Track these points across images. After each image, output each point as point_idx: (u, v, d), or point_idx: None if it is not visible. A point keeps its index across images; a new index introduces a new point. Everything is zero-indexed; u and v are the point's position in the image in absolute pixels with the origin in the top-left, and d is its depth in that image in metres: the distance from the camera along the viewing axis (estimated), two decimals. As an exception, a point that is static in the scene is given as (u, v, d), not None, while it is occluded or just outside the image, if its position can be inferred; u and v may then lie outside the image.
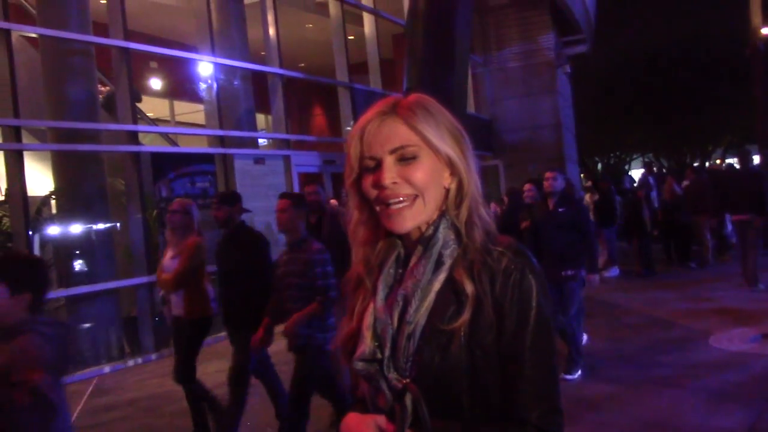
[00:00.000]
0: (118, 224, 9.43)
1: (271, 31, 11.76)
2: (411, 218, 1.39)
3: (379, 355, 1.40)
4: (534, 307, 1.35)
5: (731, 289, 10.08)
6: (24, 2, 10.15)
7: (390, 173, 1.37)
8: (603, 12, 21.77)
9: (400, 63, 15.10)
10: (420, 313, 1.37)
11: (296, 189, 11.35)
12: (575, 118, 20.37)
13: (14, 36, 8.28)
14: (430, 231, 1.42)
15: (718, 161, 32.18)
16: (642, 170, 32.40)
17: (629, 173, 28.85)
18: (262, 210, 10.66)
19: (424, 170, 1.38)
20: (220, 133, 10.50)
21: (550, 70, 17.74)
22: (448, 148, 1.40)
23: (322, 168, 12.69)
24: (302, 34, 16.42)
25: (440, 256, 1.40)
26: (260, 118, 15.43)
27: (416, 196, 1.38)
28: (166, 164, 9.44)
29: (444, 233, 1.41)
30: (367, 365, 1.41)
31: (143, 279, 9.04)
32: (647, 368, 6.56)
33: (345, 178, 1.46)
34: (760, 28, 17.19)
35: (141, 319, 9.23)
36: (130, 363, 8.74)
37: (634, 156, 36.77)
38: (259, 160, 10.85)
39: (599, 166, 34.82)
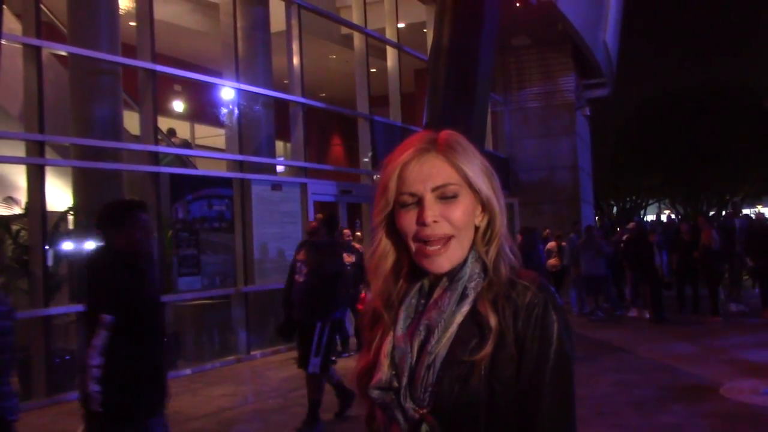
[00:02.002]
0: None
1: (296, 60, 11.91)
2: (449, 260, 1.39)
3: (395, 384, 1.39)
4: (555, 343, 1.35)
5: (744, 339, 10.00)
6: (55, 20, 10.35)
7: (432, 211, 1.36)
8: (624, 57, 21.90)
9: (420, 98, 15.24)
10: (441, 344, 1.36)
11: (311, 217, 11.42)
12: (593, 160, 20.40)
13: (44, 53, 8.45)
14: (458, 266, 1.42)
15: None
16: (655, 216, 32.21)
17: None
18: (275, 236, 10.73)
19: (463, 209, 1.39)
20: (240, 158, 10.60)
21: (569, 112, 17.83)
22: (484, 186, 1.41)
23: (338, 197, 12.76)
24: (325, 64, 16.63)
25: (465, 289, 1.40)
26: (279, 145, 15.56)
27: (451, 237, 1.38)
28: (184, 186, 9.53)
29: (471, 268, 1.41)
30: (382, 393, 1.40)
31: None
32: (654, 416, 6.51)
33: (376, 210, 1.46)
34: (782, 80, 17.23)
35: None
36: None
37: (650, 201, 36.71)
38: (276, 186, 10.93)
39: (614, 209, 34.76)
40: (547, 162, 17.60)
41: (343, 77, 15.51)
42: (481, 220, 1.43)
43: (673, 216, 31.55)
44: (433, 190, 1.38)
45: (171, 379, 8.53)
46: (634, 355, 9.18)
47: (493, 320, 1.35)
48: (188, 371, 9.24)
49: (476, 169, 1.41)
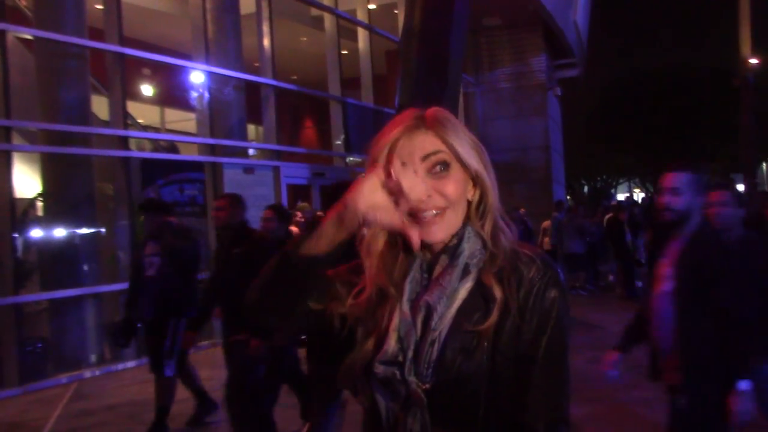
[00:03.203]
0: (104, 229, 9.40)
1: (266, 42, 11.81)
2: (444, 229, 1.41)
3: (400, 358, 1.40)
4: (554, 318, 1.37)
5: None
6: (20, 4, 10.15)
7: (422, 186, 1.38)
8: (595, 38, 22.01)
9: (392, 79, 15.20)
10: (445, 321, 1.38)
11: (284, 200, 11.36)
12: (564, 140, 20.52)
13: (9, 37, 8.28)
14: (455, 241, 1.43)
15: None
16: (626, 194, 32.54)
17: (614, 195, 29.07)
18: (250, 220, 10.66)
19: (455, 183, 1.41)
20: (211, 141, 10.51)
21: (541, 93, 17.88)
22: (474, 161, 1.43)
23: (311, 180, 12.72)
24: (297, 46, 16.50)
25: (467, 266, 1.42)
26: (251, 129, 15.44)
27: (447, 208, 1.41)
28: (155, 171, 9.44)
29: (470, 244, 1.43)
30: (387, 368, 1.40)
31: (128, 284, 9.02)
32: (631, 389, 6.60)
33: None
34: (749, 59, 17.43)
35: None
36: (112, 368, 8.69)
37: (621, 180, 37.07)
38: (248, 169, 10.86)
39: (585, 189, 35.05)
40: (519, 142, 17.67)
41: (314, 59, 15.40)
42: (473, 195, 1.45)
43: (643, 194, 31.90)
44: (423, 159, 1.39)
45: (141, 366, 8.51)
46: (609, 331, 9.27)
47: (498, 292, 1.37)
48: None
49: (465, 144, 1.42)
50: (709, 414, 3.15)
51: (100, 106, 9.94)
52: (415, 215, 1.40)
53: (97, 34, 9.49)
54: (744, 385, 3.04)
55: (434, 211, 1.39)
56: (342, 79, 13.34)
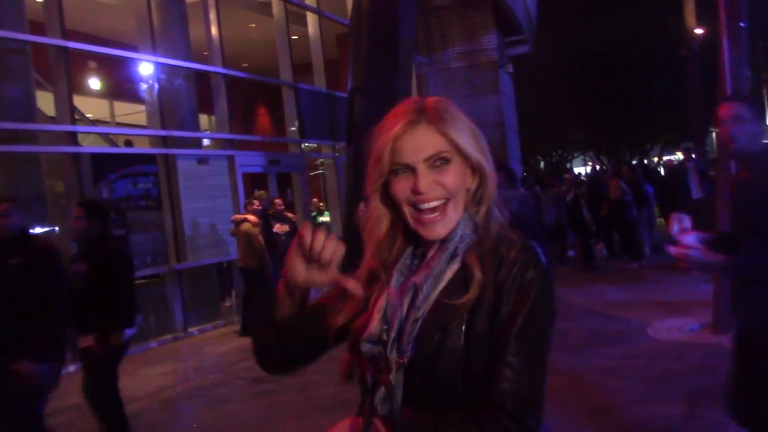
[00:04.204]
0: (57, 227, 9.22)
1: (214, 30, 11.65)
2: (444, 226, 1.45)
3: (385, 338, 1.44)
4: (531, 299, 1.38)
5: (670, 282, 10.40)
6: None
7: (426, 180, 1.42)
8: (544, 14, 22.13)
9: (344, 63, 15.11)
10: (429, 300, 1.42)
11: (240, 189, 11.28)
12: (518, 117, 20.66)
13: (-54, 34, 8.04)
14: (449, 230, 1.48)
15: (655, 159, 33.05)
16: (583, 168, 32.96)
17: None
18: (205, 211, 10.57)
19: (455, 174, 1.44)
20: (162, 133, 10.36)
21: (493, 70, 17.95)
22: (474, 151, 1.46)
23: (267, 168, 12.63)
24: (245, 33, 16.30)
25: (456, 248, 1.45)
26: (204, 119, 15.26)
27: (448, 200, 1.44)
28: (106, 165, 9.27)
29: (462, 228, 1.47)
30: (372, 347, 1.45)
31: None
32: (588, 359, 6.73)
33: (370, 180, 1.50)
34: (694, 29, 17.70)
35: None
36: (72, 368, 8.56)
37: (576, 154, 37.51)
38: (202, 160, 10.74)
39: (542, 164, 35.41)
40: (473, 121, 17.67)
41: (264, 46, 15.24)
42: (472, 183, 1.49)
43: (597, 167, 32.33)
44: (426, 160, 1.43)
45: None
46: (567, 303, 9.42)
47: (477, 273, 1.39)
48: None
49: (465, 134, 1.46)
50: None
51: (46, 101, 9.72)
52: (417, 209, 1.44)
53: (38, 28, 9.26)
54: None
55: (435, 203, 1.43)
56: (293, 65, 13.24)
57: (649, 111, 28.22)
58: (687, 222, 3.13)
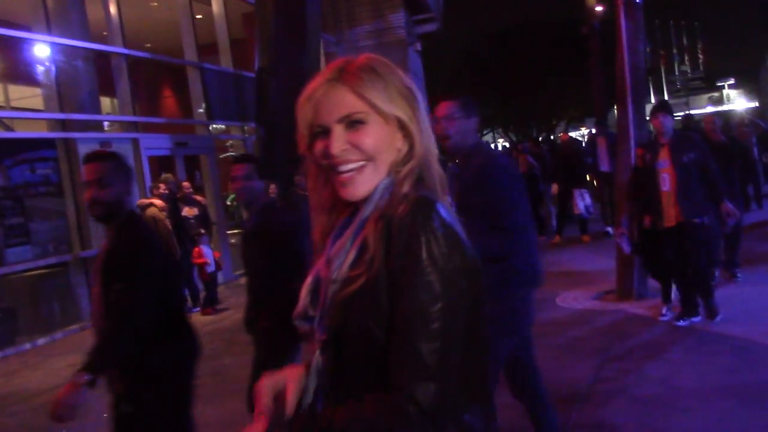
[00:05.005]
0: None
1: (113, 9, 11.25)
2: (362, 184, 1.38)
3: (311, 313, 1.41)
4: (421, 264, 1.26)
5: (575, 254, 10.74)
6: None
7: (339, 141, 1.36)
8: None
9: (251, 42, 14.84)
10: (341, 273, 1.35)
11: (147, 173, 10.97)
12: (428, 95, 20.84)
13: None
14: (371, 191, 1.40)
15: (561, 134, 34.00)
16: (492, 145, 33.58)
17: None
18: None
19: (372, 135, 1.37)
20: (61, 116, 9.94)
21: (401, 49, 18.00)
22: (398, 110, 1.38)
23: (174, 150, 12.32)
24: (147, 13, 15.77)
25: (369, 214, 1.38)
26: (105, 101, 14.73)
27: (367, 162, 1.37)
28: (2, 151, 8.84)
29: (380, 192, 1.38)
30: (302, 323, 1.44)
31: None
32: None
33: (299, 140, 1.45)
34: (595, 8, 18.22)
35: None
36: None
37: (485, 131, 38.19)
38: (105, 143, 10.36)
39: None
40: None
41: (167, 26, 14.78)
42: (402, 144, 1.41)
43: (507, 144, 33.01)
44: (339, 120, 1.37)
45: (10, 356, 8.09)
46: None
47: (371, 240, 1.32)
48: (28, 345, 8.76)
49: (386, 94, 1.38)
50: None
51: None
52: (334, 170, 1.39)
53: None
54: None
55: (351, 165, 1.37)
56: (198, 45, 12.93)
57: (553, 88, 28.94)
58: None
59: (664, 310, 6.66)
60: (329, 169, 1.39)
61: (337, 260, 1.37)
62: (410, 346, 1.24)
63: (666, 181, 6.12)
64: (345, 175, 1.37)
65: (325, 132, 1.38)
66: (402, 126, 1.39)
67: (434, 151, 1.44)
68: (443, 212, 1.33)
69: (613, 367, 5.54)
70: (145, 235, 3.15)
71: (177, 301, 3.34)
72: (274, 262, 3.93)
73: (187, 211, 9.90)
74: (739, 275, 7.77)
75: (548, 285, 8.46)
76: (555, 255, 10.91)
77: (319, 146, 1.39)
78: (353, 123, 1.36)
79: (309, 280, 1.45)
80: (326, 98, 1.38)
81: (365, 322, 1.29)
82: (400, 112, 1.39)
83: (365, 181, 1.38)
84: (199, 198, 10.81)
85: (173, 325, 3.15)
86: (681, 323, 6.37)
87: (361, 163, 1.37)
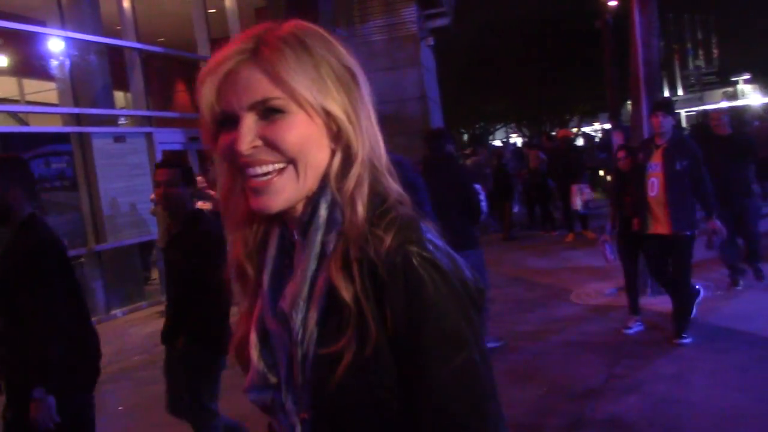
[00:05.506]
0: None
1: (126, 3, 11.29)
2: (279, 194, 1.04)
3: (272, 380, 1.09)
4: (433, 312, 0.98)
5: (588, 250, 10.71)
6: None
7: (248, 136, 1.02)
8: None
9: (263, 37, 14.85)
10: (308, 331, 1.02)
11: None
12: (441, 90, 20.79)
13: None
14: (308, 211, 1.06)
15: (574, 129, 33.84)
16: (504, 140, 33.47)
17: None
18: (124, 190, 10.29)
19: (295, 129, 1.02)
20: (75, 111, 9.99)
21: (413, 44, 17.98)
22: (328, 99, 1.04)
23: (187, 145, 12.36)
24: (161, 7, 15.81)
25: (324, 245, 1.04)
26: (119, 96, 14.79)
27: (286, 166, 1.04)
28: (17, 145, 8.90)
29: (325, 213, 1.05)
30: (260, 396, 1.11)
31: None
32: (512, 326, 6.88)
33: (203, 134, 1.11)
34: (608, 2, 18.14)
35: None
36: None
37: (498, 126, 38.07)
38: (119, 138, 10.42)
39: (465, 137, 35.79)
40: (395, 94, 17.75)
41: (181, 20, 14.80)
42: (336, 146, 1.07)
43: (519, 139, 32.94)
44: (250, 107, 1.02)
45: None
46: (491, 272, 9.61)
47: (346, 293, 0.99)
48: (44, 339, 8.82)
49: (313, 76, 1.03)
50: None
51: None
52: (242, 173, 1.06)
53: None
54: None
55: (266, 168, 1.04)
56: (211, 39, 12.95)
57: (566, 82, 28.79)
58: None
59: (630, 323, 6.33)
60: (238, 170, 1.06)
61: (296, 314, 1.03)
62: (445, 413, 0.99)
63: (654, 186, 5.80)
64: (257, 180, 1.04)
65: (232, 121, 1.04)
66: (333, 120, 1.06)
67: (380, 152, 1.12)
68: (429, 233, 1.04)
69: (626, 364, 5.54)
70: (42, 237, 3.10)
71: (78, 304, 3.22)
72: (196, 273, 3.70)
73: (201, 205, 9.93)
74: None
75: (562, 281, 8.52)
76: (569, 251, 10.89)
77: (224, 140, 1.05)
78: (269, 111, 1.02)
79: (253, 334, 1.11)
80: (235, 76, 1.03)
81: (371, 396, 1.01)
82: (331, 101, 1.05)
83: (282, 191, 1.04)
84: (213, 192, 10.83)
85: (74, 329, 3.07)
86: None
87: (279, 165, 1.04)
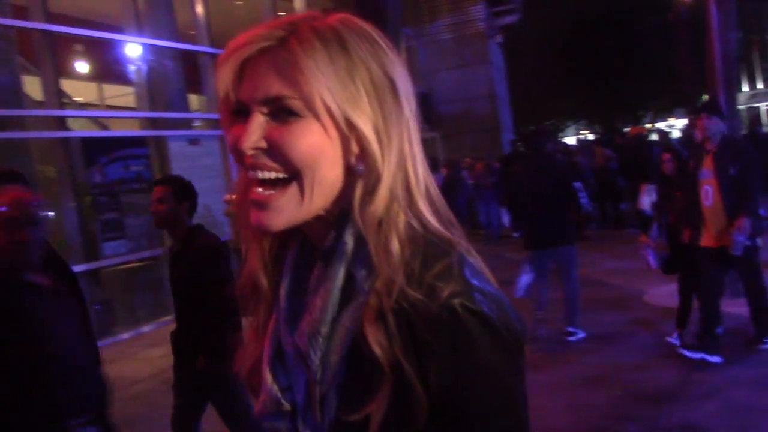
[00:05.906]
0: (50, 213, 9.21)
1: (199, 9, 11.56)
2: (280, 213, 0.91)
3: (286, 406, 0.98)
4: (481, 376, 0.86)
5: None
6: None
7: (254, 135, 0.89)
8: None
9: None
10: (329, 373, 0.91)
11: (234, 169, 11.24)
12: (509, 87, 20.62)
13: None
14: (331, 238, 0.93)
15: (648, 125, 33.02)
16: (575, 137, 33.04)
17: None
18: (199, 192, 10.51)
19: (305, 138, 0.88)
20: (152, 115, 10.31)
21: (482, 41, 17.90)
22: (354, 109, 0.89)
23: (259, 147, 12.59)
24: (232, 11, 16.14)
25: (353, 279, 0.90)
26: (193, 99, 15.17)
27: (290, 180, 0.90)
28: (97, 149, 9.23)
29: (351, 242, 0.91)
30: (274, 423, 0.99)
31: (81, 267, 8.88)
32: (586, 327, 6.77)
33: (221, 117, 0.99)
34: (682, -5, 17.66)
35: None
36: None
37: (568, 124, 37.47)
38: (194, 141, 10.69)
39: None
40: (464, 93, 17.71)
41: (251, 24, 14.99)
42: (357, 165, 0.91)
43: (591, 136, 32.37)
44: (263, 103, 0.90)
45: (108, 345, 8.46)
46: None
47: (379, 350, 0.86)
48: (125, 336, 9.13)
49: (345, 80, 0.89)
50: None
51: (33, 86, 9.64)
52: (248, 176, 0.94)
53: (20, 12, 9.17)
54: None
55: (268, 174, 0.91)
56: (281, 42, 13.15)
57: (638, 78, 28.13)
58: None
59: (675, 335, 5.98)
60: (243, 169, 0.94)
61: (314, 353, 0.91)
62: None
63: (709, 194, 5.38)
64: (257, 192, 0.92)
65: (246, 113, 0.91)
66: (358, 135, 0.90)
67: (419, 178, 0.94)
68: (474, 276, 0.90)
69: (704, 369, 5.39)
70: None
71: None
72: (204, 289, 3.70)
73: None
74: None
75: (635, 281, 8.34)
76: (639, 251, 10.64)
77: (234, 132, 0.93)
78: (282, 112, 0.89)
79: (266, 352, 1.01)
80: (256, 65, 0.90)
81: None
82: (360, 113, 0.89)
83: (284, 209, 0.91)
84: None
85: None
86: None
87: (281, 176, 0.90)
